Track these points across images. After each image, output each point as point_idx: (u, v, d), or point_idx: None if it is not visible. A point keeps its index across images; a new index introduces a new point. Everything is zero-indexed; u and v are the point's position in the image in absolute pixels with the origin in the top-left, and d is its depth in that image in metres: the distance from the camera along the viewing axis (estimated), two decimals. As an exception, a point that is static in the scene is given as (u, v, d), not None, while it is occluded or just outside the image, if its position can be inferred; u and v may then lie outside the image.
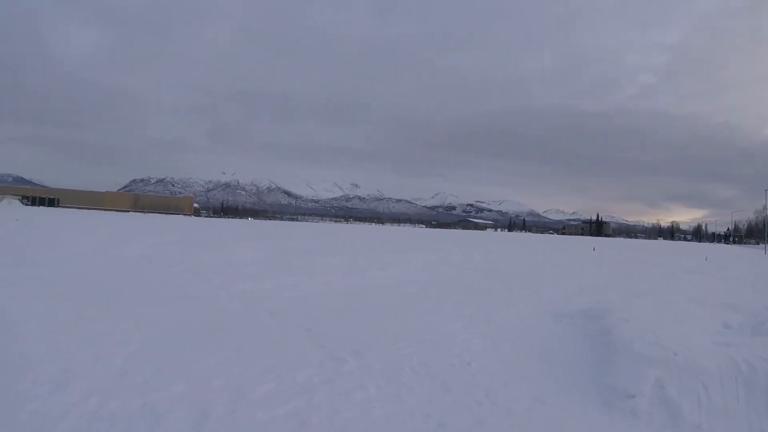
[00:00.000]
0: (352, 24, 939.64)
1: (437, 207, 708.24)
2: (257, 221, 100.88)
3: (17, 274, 12.57)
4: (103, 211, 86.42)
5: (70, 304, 9.38)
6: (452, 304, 11.25)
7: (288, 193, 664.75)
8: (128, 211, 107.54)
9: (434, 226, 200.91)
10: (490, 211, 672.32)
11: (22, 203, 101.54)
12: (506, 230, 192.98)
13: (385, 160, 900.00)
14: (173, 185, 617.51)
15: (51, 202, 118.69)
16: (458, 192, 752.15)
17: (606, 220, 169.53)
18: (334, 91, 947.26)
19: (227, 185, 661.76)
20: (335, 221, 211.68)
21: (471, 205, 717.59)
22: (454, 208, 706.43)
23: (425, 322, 9.13)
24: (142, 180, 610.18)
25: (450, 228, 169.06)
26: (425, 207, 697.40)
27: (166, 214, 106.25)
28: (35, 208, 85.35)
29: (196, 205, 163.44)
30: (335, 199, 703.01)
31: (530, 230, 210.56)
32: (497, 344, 7.85)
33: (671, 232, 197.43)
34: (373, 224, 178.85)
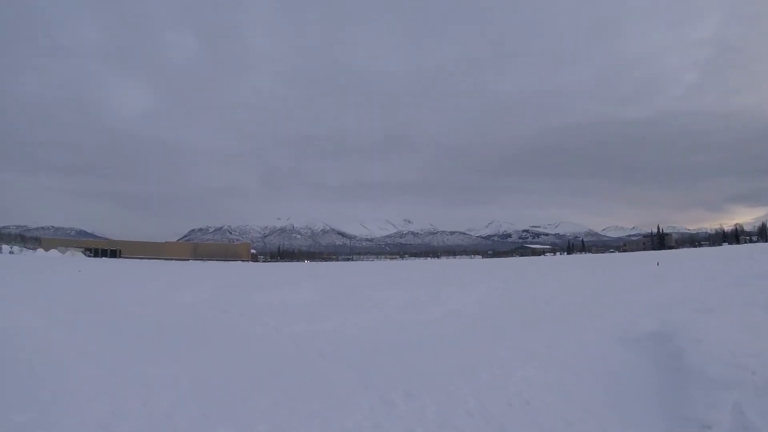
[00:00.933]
0: (389, 59, 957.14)
1: (492, 236, 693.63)
2: (313, 263, 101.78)
3: (74, 318, 13.01)
4: (163, 261, 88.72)
5: (122, 348, 9.56)
6: (511, 336, 10.54)
7: (342, 234, 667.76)
8: (188, 260, 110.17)
9: (490, 256, 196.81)
10: (546, 235, 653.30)
11: (85, 255, 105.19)
12: (565, 253, 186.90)
13: (435, 192, 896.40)
14: (231, 233, 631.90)
15: (113, 254, 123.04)
16: (512, 218, 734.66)
17: (667, 231, 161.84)
18: (380, 127, 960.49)
19: (283, 230, 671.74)
20: (390, 258, 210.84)
21: (527, 231, 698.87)
22: (509, 235, 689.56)
23: (482, 358, 8.50)
24: (200, 229, 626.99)
25: (506, 257, 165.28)
26: (480, 237, 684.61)
27: (225, 261, 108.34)
28: (98, 259, 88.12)
29: (253, 250, 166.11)
30: (389, 236, 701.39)
31: (590, 251, 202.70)
32: (559, 378, 7.19)
33: (736, 236, 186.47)
34: (428, 258, 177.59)
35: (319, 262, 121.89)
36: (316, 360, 8.69)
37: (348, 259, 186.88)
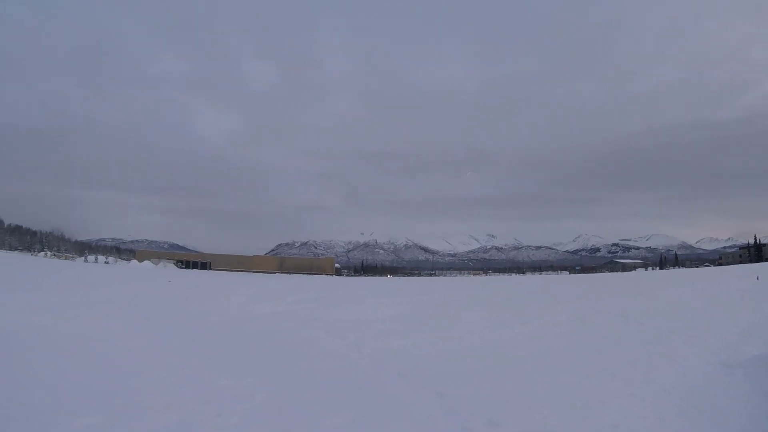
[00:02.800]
0: (463, 74, 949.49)
1: (579, 251, 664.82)
2: (395, 278, 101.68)
3: (156, 326, 13.53)
4: (251, 273, 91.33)
5: (200, 358, 9.73)
6: (605, 361, 9.65)
7: (425, 249, 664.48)
8: (274, 273, 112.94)
9: (578, 272, 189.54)
10: (637, 248, 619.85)
11: (177, 266, 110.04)
12: (657, 268, 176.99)
13: (519, 206, 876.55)
14: (315, 247, 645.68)
15: (204, 266, 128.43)
16: (600, 231, 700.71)
17: (765, 242, 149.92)
18: (459, 142, 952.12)
19: (366, 245, 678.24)
20: (474, 274, 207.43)
21: (616, 245, 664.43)
22: (598, 249, 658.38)
23: (573, 384, 7.78)
24: (287, 244, 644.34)
25: (595, 272, 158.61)
26: (567, 252, 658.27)
27: (309, 274, 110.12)
28: (188, 270, 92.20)
29: (337, 265, 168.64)
30: (472, 251, 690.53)
31: (683, 265, 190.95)
32: (659, 409, 6.47)
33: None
34: (513, 274, 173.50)
35: (401, 277, 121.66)
36: (395, 380, 8.27)
37: (431, 275, 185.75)
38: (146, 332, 12.29)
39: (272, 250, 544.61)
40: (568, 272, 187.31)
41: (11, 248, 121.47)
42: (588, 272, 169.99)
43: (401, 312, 18.62)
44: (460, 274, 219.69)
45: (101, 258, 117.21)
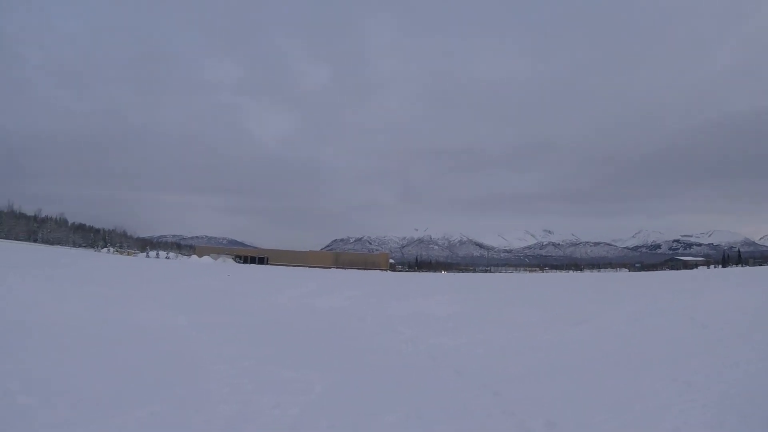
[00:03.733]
0: (516, 67, 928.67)
1: (639, 247, 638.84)
2: (450, 274, 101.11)
3: (216, 319, 13.99)
4: (307, 268, 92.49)
5: (259, 350, 9.97)
6: (665, 364, 9.22)
7: (480, 245, 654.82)
8: (329, 268, 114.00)
9: (638, 269, 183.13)
10: (699, 245, 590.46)
11: (235, 261, 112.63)
12: (720, 266, 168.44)
13: (576, 201, 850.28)
14: (370, 243, 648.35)
15: (261, 261, 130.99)
16: (661, 227, 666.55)
17: None
18: (514, 136, 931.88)
19: (420, 240, 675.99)
20: (530, 271, 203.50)
21: (677, 241, 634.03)
22: (658, 246, 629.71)
23: (632, 387, 7.44)
24: (342, 239, 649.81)
25: (656, 270, 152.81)
26: (626, 248, 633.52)
27: (364, 269, 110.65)
28: (247, 265, 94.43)
29: (391, 260, 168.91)
30: (528, 247, 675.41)
31: (747, 263, 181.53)
32: (721, 415, 6.11)
33: None
34: (570, 272, 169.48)
35: (456, 273, 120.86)
36: (452, 377, 8.22)
37: (486, 271, 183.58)
38: (207, 325, 12.72)
39: (327, 246, 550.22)
40: (627, 270, 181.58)
41: (75, 245, 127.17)
42: (648, 270, 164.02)
43: (456, 309, 18.55)
44: (516, 270, 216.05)
45: (162, 253, 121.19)
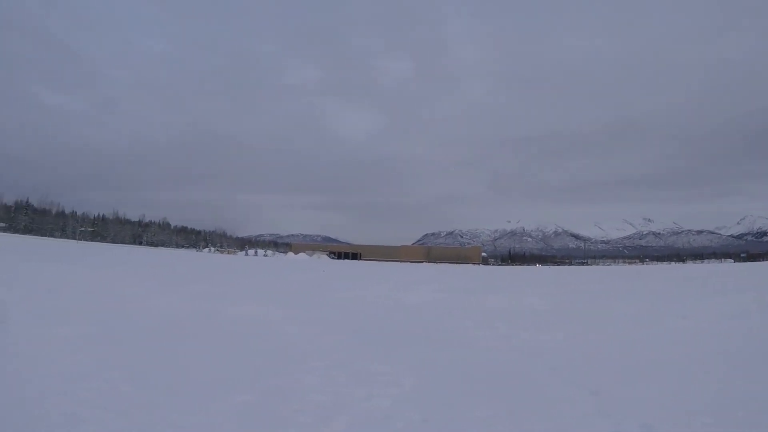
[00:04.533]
0: (598, 43, 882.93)
1: (745, 235, 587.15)
2: (544, 267, 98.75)
3: (310, 313, 14.44)
4: (398, 263, 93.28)
5: (351, 343, 10.18)
6: None
7: (575, 236, 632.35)
8: (421, 262, 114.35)
9: (743, 259, 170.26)
10: None
11: (329, 257, 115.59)
12: None
13: (677, 185, 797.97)
14: (462, 236, 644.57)
15: (354, 256, 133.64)
16: None
17: None
18: (605, 117, 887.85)
19: (513, 233, 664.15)
20: (628, 263, 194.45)
21: None
22: (764, 233, 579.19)
23: (738, 389, 6.82)
24: (433, 234, 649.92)
25: (763, 260, 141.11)
26: (731, 236, 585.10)
27: (456, 263, 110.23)
28: (341, 261, 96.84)
29: (484, 254, 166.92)
30: (627, 237, 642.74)
31: None
32: None
33: None
34: (672, 263, 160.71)
35: (551, 266, 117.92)
36: (547, 375, 7.87)
37: (582, 263, 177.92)
38: (302, 318, 13.16)
39: (419, 240, 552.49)
40: (732, 260, 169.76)
41: (178, 246, 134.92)
42: (755, 260, 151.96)
43: (551, 303, 18.04)
44: (614, 262, 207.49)
45: (260, 251, 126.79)
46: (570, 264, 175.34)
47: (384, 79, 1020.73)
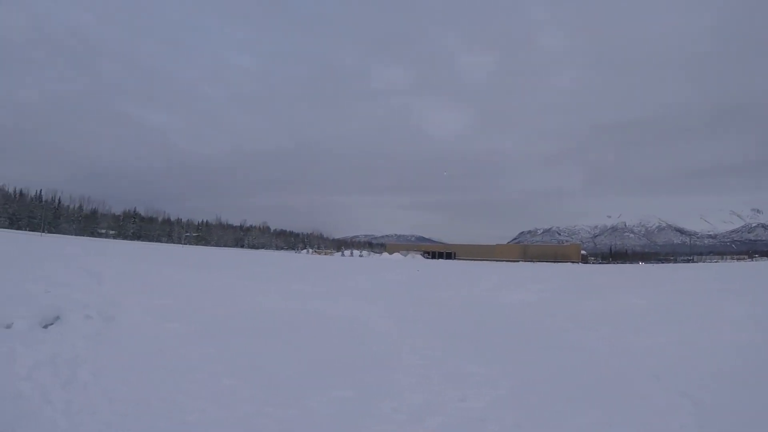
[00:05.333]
0: (697, 17, 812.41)
1: None
2: (648, 265, 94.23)
3: (406, 313, 14.61)
4: (494, 262, 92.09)
5: (446, 343, 10.19)
6: None
7: (680, 231, 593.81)
8: (518, 261, 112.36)
9: None
10: None
11: (424, 257, 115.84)
12: None
13: None
14: (559, 234, 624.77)
15: (448, 256, 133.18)
16: None
17: None
18: (710, 98, 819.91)
19: (614, 229, 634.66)
20: (737, 259, 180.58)
21: None
22: None
23: None
24: (529, 231, 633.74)
25: None
26: None
27: (554, 262, 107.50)
28: (435, 260, 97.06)
29: (583, 252, 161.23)
30: (735, 231, 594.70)
31: None
32: None
33: None
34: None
35: (654, 264, 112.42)
36: (649, 381, 7.42)
37: (688, 260, 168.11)
38: (398, 317, 13.35)
39: (514, 239, 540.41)
40: None
41: (277, 248, 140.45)
42: None
43: (656, 304, 17.07)
44: (722, 259, 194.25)
45: (356, 252, 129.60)
46: (675, 261, 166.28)
47: (469, 75, 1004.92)
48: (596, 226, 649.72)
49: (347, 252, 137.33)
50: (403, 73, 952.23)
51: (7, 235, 50.06)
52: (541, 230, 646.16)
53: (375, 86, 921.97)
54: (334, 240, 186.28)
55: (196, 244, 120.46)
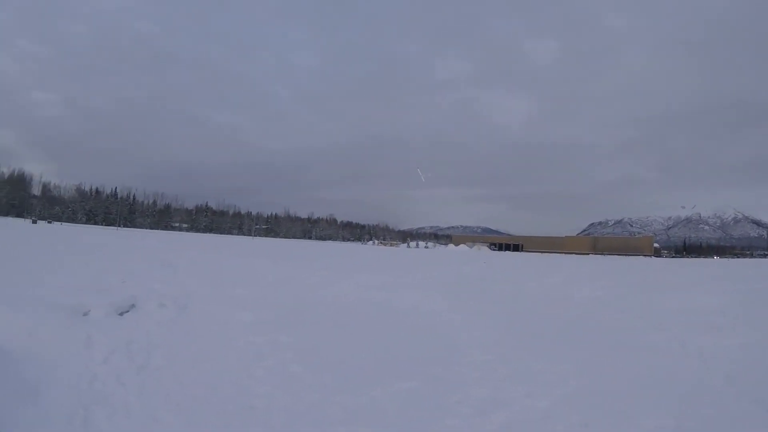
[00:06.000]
0: (764, 2, 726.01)
1: None
2: (723, 260, 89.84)
3: (472, 306, 14.36)
4: (563, 254, 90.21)
5: (512, 337, 10.08)
6: None
7: (757, 223, 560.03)
8: (587, 254, 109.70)
9: None
10: None
11: (490, 249, 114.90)
12: None
13: None
14: (631, 225, 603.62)
15: (516, 248, 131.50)
16: None
17: None
18: None
19: (688, 220, 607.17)
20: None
21: None
22: None
23: None
24: (600, 223, 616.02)
25: None
26: None
27: (625, 255, 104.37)
28: (502, 252, 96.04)
29: (656, 244, 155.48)
30: None
31: None
32: None
33: None
34: None
35: (730, 258, 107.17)
36: (722, 385, 7.09)
37: (765, 255, 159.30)
38: (463, 310, 13.30)
39: (584, 230, 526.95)
40: None
41: (344, 239, 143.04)
42: None
43: (732, 303, 16.30)
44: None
45: (421, 243, 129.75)
46: (751, 256, 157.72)
47: (533, 61, 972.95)
48: (670, 218, 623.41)
49: (413, 243, 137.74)
50: (467, 63, 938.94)
51: (84, 229, 52.57)
52: (613, 221, 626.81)
53: (439, 77, 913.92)
54: (399, 231, 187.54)
55: (266, 235, 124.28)
